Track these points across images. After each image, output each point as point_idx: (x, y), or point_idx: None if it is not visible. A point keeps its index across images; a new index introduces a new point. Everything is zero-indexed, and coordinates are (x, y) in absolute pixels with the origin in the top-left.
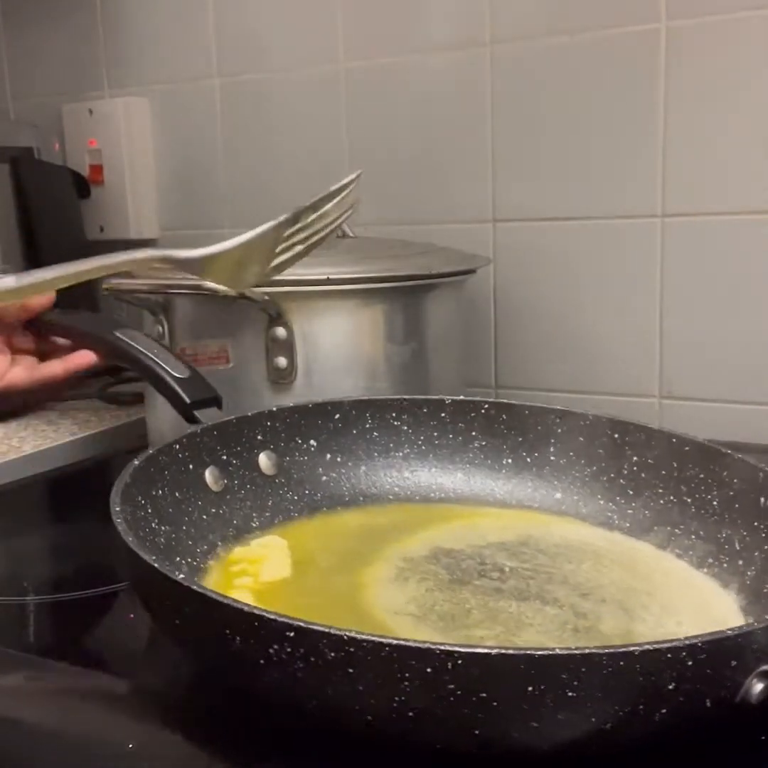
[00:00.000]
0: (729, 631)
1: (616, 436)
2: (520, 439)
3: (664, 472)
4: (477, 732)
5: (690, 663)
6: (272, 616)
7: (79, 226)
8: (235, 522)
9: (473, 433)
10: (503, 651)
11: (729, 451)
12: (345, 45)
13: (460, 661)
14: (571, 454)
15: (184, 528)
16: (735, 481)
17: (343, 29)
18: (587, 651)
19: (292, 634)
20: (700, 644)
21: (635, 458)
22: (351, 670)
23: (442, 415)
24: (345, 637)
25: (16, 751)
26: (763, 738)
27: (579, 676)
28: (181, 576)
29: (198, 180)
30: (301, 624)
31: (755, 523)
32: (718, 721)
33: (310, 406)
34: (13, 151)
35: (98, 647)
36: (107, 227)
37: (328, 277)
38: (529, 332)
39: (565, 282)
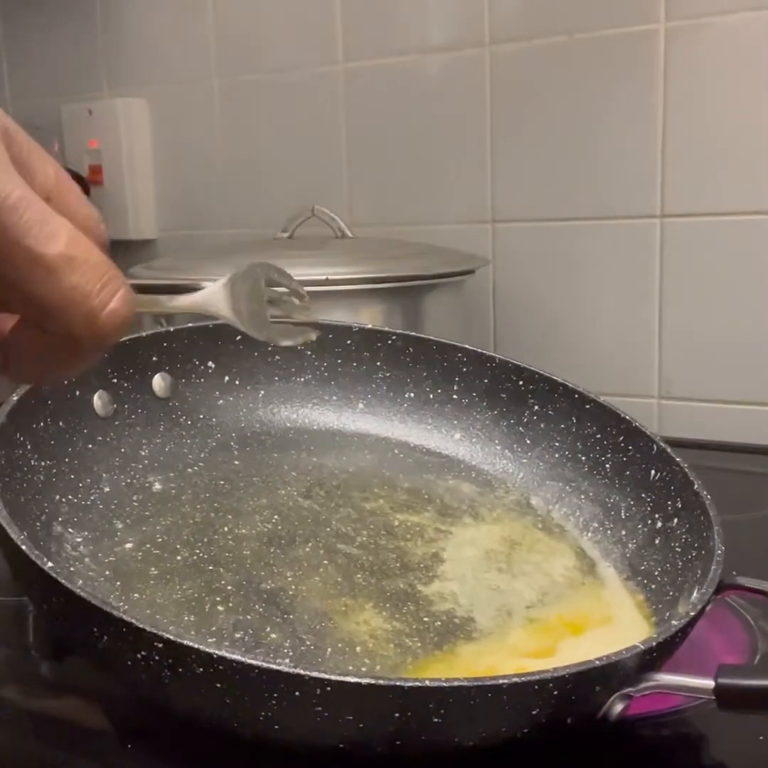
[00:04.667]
0: (596, 662)
1: (521, 382)
2: (425, 373)
3: (562, 426)
4: (341, 746)
5: (556, 692)
6: (141, 625)
7: None
8: (122, 450)
9: (378, 364)
10: (373, 682)
11: (628, 416)
12: (345, 45)
13: (329, 688)
14: (474, 394)
15: (67, 460)
16: (630, 447)
17: (343, 29)
18: (456, 683)
19: (160, 645)
20: (567, 675)
21: (537, 407)
22: (219, 685)
23: (349, 342)
24: (214, 656)
25: (17, 747)
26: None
27: (446, 705)
28: (50, 565)
29: (197, 180)
30: (171, 637)
31: (643, 495)
32: (578, 733)
33: (211, 326)
34: None
35: None
36: (106, 227)
37: (326, 278)
38: (528, 333)
39: (564, 282)
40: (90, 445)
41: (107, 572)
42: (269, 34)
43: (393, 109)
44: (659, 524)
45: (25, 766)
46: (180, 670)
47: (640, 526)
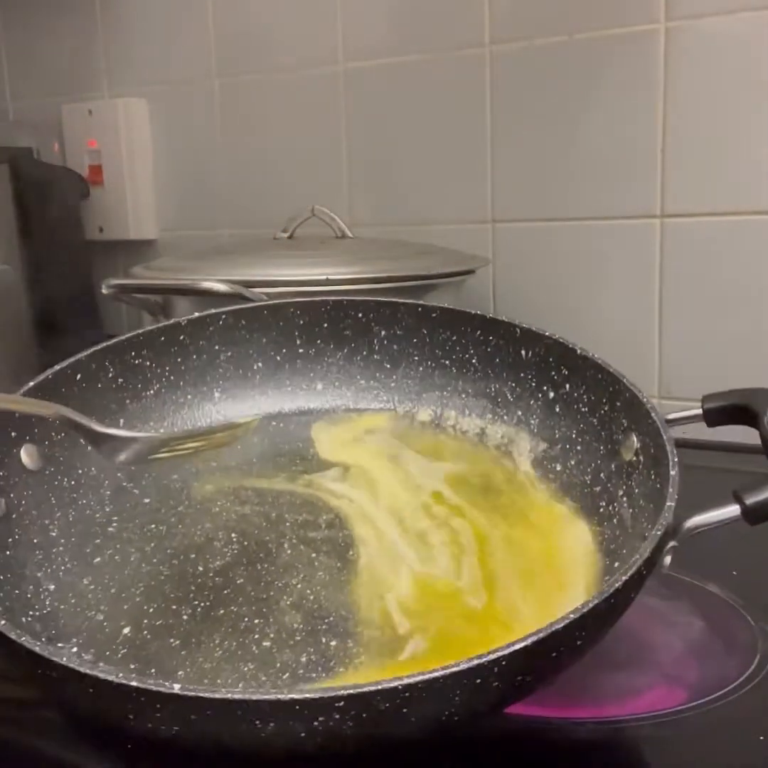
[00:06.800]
0: (666, 515)
1: (360, 315)
2: (264, 339)
3: (415, 340)
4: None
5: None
6: (340, 690)
7: (78, 227)
8: (35, 541)
9: (216, 347)
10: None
11: (478, 312)
12: (345, 45)
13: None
14: (319, 341)
15: None
16: (491, 338)
17: (343, 29)
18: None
19: (342, 703)
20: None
21: (383, 332)
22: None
23: (181, 337)
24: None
25: (17, 747)
26: None
27: None
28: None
29: (197, 180)
30: (378, 686)
31: (521, 374)
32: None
33: (50, 376)
34: (12, 152)
35: None
36: (106, 228)
37: (327, 278)
38: None
39: (564, 282)
40: (7, 552)
41: (132, 665)
42: (269, 34)
43: (393, 109)
44: (552, 394)
45: (26, 766)
46: (363, 715)
47: (531, 402)
